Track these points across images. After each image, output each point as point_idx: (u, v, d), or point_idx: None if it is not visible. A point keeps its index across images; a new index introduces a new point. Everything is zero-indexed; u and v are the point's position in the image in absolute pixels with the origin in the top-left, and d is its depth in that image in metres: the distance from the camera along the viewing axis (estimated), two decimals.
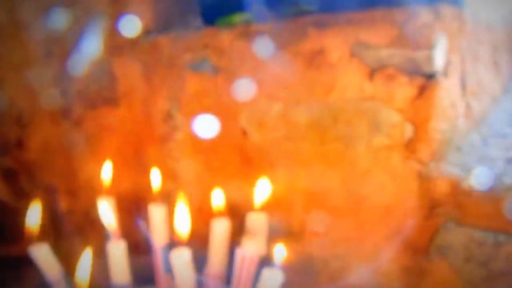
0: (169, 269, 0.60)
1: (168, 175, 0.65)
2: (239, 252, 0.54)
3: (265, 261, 0.52)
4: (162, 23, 0.68)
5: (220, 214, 0.57)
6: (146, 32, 0.66)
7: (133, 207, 0.73)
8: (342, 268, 0.58)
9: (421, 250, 0.53)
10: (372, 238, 0.55)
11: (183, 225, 0.54)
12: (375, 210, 0.54)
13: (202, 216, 0.66)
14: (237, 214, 0.57)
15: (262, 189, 0.56)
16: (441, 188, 0.51)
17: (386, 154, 0.53)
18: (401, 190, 0.53)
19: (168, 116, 0.68)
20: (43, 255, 0.57)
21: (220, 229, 0.57)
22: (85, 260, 0.51)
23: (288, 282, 0.49)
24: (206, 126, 0.65)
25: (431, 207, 0.52)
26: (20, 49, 0.66)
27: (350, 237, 0.56)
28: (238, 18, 0.67)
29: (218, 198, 0.58)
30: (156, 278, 0.62)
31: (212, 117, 0.63)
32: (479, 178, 0.49)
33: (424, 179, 0.52)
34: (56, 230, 0.69)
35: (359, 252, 0.56)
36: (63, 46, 0.67)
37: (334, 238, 0.58)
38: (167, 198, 0.69)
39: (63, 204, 0.72)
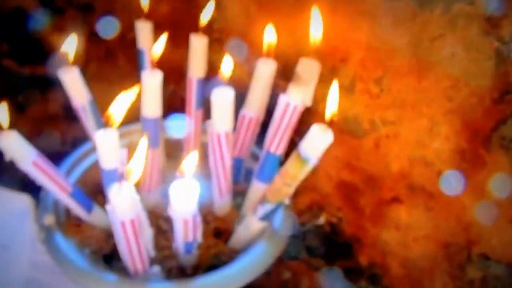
0: (200, 105, 0.66)
1: (216, 7, 0.65)
2: (283, 99, 0.55)
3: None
4: None
5: (268, 54, 0.58)
6: None
7: (170, 36, 0.77)
8: (390, 135, 0.60)
9: (481, 136, 0.54)
10: (430, 110, 0.56)
11: (228, 62, 0.56)
12: (441, 80, 0.54)
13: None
14: (284, 58, 0.59)
15: (316, 34, 0.55)
16: None
17: (465, 22, 0.52)
18: (474, 65, 0.53)
19: None
20: (71, 78, 0.59)
21: (265, 70, 0.58)
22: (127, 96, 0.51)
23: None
24: None
25: (504, 91, 0.52)
26: None
27: (406, 104, 0.57)
28: None
29: (269, 36, 0.58)
30: (186, 111, 0.66)
31: None
32: None
33: (501, 59, 0.51)
34: (86, 54, 0.73)
35: (412, 122, 0.58)
36: None
37: (387, 101, 0.59)
38: (210, 31, 0.73)
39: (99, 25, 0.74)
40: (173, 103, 0.81)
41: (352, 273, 0.70)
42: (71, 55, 0.59)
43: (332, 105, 0.48)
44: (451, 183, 0.58)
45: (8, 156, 0.52)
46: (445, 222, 0.59)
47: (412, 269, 0.64)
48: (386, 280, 0.67)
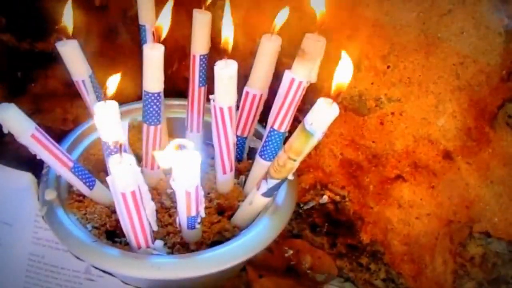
0: (203, 82, 0.63)
1: None
2: (288, 74, 0.52)
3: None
4: None
5: (272, 31, 0.55)
6: None
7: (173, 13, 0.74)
8: (395, 113, 0.58)
9: (487, 114, 0.52)
10: (436, 87, 0.53)
11: (229, 34, 0.53)
12: (449, 57, 0.52)
13: (248, 30, 0.68)
14: (289, 35, 0.58)
15: (320, 11, 0.51)
16: None
17: None
18: (483, 43, 0.50)
19: None
20: (71, 51, 0.56)
21: (270, 46, 0.56)
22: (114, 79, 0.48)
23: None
24: None
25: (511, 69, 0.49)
26: None
27: (412, 81, 0.55)
28: None
29: (282, 16, 0.55)
30: (189, 89, 0.63)
31: None
32: None
33: (511, 36, 0.48)
34: (87, 29, 0.70)
35: (418, 100, 0.55)
36: None
37: (394, 78, 0.56)
38: (213, 7, 0.70)
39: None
40: (176, 82, 0.78)
41: (354, 250, 0.68)
42: (69, 27, 0.55)
43: (340, 77, 0.44)
44: None
45: (6, 129, 0.49)
46: (448, 200, 0.57)
47: (414, 246, 0.62)
48: (387, 257, 0.65)
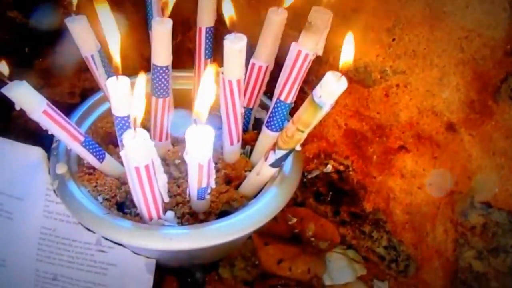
0: (209, 54, 0.63)
1: None
2: (294, 46, 0.52)
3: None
4: None
5: (279, 4, 0.54)
6: None
7: None
8: (400, 85, 0.58)
9: (491, 87, 0.52)
10: (441, 60, 0.53)
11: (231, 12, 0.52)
12: (453, 31, 0.52)
13: (253, 1, 0.67)
14: (295, 7, 0.57)
15: None
16: None
17: None
18: (487, 16, 0.49)
19: None
20: (80, 27, 0.55)
21: (276, 18, 0.55)
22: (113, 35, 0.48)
23: None
24: None
25: None
26: None
27: (417, 54, 0.55)
28: None
29: None
30: (195, 61, 0.63)
31: None
32: None
33: None
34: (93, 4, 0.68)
35: (423, 72, 0.55)
36: None
37: (399, 51, 0.56)
38: None
39: None
40: (180, 54, 0.78)
41: (356, 218, 0.69)
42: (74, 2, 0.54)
43: (346, 56, 0.45)
44: None
45: (18, 106, 0.49)
46: (450, 171, 0.58)
47: (415, 215, 0.63)
48: (389, 225, 0.66)
